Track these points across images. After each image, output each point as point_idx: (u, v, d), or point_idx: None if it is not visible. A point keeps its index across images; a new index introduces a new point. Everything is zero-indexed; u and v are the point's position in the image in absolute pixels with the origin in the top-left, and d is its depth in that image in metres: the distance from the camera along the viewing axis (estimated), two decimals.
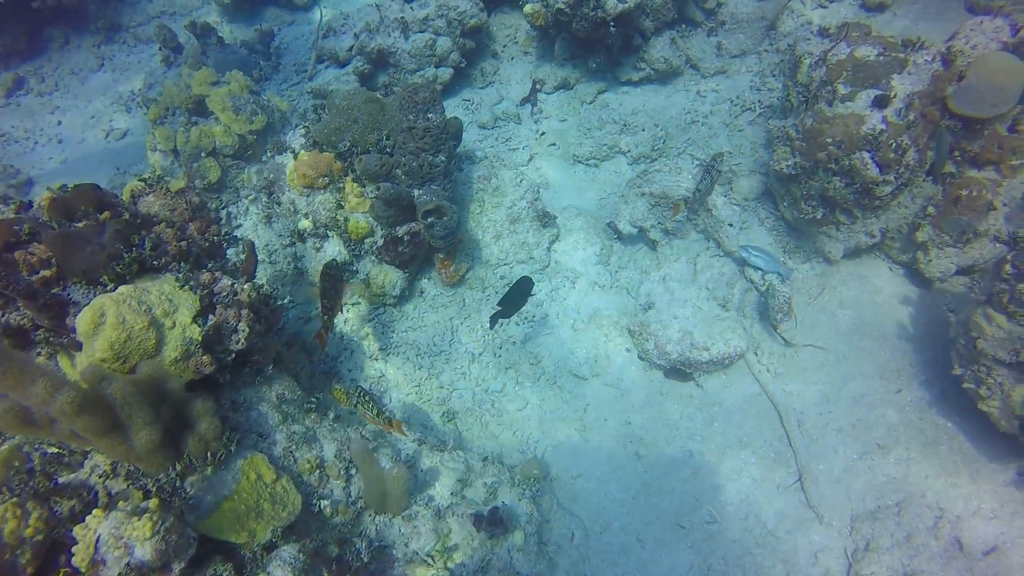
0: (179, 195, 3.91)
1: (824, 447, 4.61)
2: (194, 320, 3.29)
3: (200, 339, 3.27)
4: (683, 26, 6.94)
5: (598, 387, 5.09)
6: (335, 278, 4.36)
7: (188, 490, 3.13)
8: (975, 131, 4.82)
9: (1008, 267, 3.84)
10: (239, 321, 3.54)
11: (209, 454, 3.20)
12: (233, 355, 3.53)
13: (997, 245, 4.87)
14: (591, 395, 5.06)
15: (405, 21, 6.87)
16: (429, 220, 4.75)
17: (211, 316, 3.38)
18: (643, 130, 6.31)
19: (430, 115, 4.74)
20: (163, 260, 3.51)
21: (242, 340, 3.52)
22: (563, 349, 5.24)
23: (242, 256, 4.45)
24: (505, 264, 5.55)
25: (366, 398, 4.04)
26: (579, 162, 6.48)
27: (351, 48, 7.21)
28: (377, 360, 5.15)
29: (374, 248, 5.16)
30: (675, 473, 4.68)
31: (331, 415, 4.12)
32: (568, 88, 7.08)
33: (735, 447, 4.72)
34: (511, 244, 5.54)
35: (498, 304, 4.39)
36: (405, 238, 4.99)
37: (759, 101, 6.45)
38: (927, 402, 4.68)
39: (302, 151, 5.22)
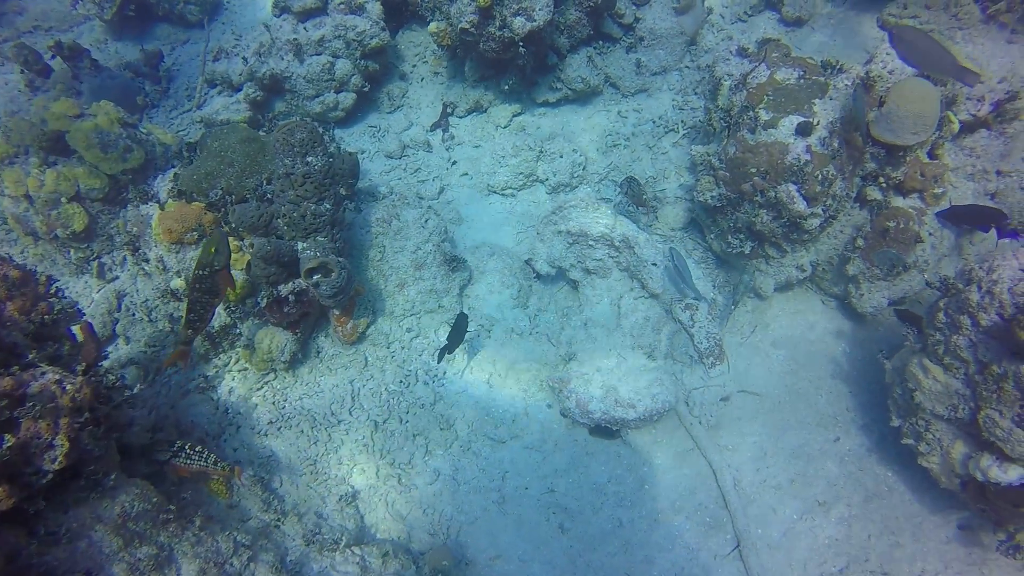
0: None
1: (762, 508, 4.23)
2: None
3: None
4: (600, 43, 6.53)
5: (518, 451, 4.59)
6: (209, 286, 3.71)
7: None
8: (898, 158, 4.55)
9: (941, 315, 3.52)
10: (55, 434, 2.88)
11: None
12: (50, 475, 2.88)
13: (925, 276, 4.63)
14: (510, 460, 4.56)
15: (299, 43, 6.23)
16: (314, 279, 4.16)
17: (6, 437, 2.71)
18: (561, 156, 5.86)
19: (310, 159, 4.16)
20: None
21: (59, 459, 2.87)
22: (478, 409, 4.72)
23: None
24: (412, 315, 5.00)
25: (194, 449, 3.53)
26: (494, 192, 5.98)
27: (243, 73, 6.53)
28: (267, 436, 4.52)
29: (257, 309, 4.53)
30: (603, 547, 4.22)
31: (198, 520, 3.48)
32: (481, 111, 6.58)
33: (668, 512, 4.30)
34: (417, 292, 4.99)
35: (446, 339, 4.42)
36: (290, 298, 4.38)
37: (682, 122, 6.09)
38: (866, 449, 4.36)
39: (169, 200, 4.55)
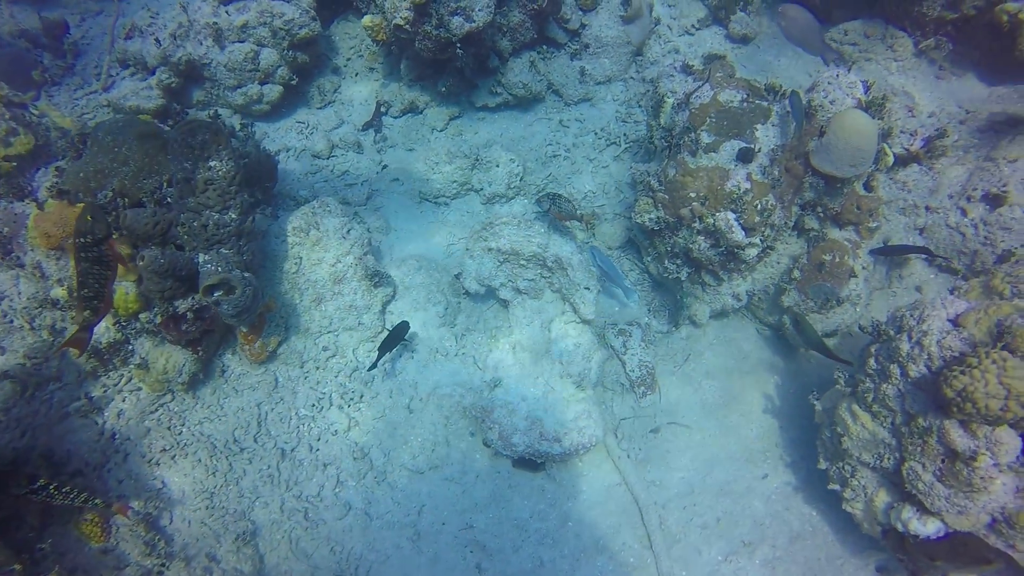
0: None
1: (687, 548, 4.09)
2: None
3: None
4: (544, 47, 6.27)
5: (436, 483, 4.32)
6: (99, 253, 3.25)
7: None
8: (836, 189, 4.48)
9: (872, 362, 3.43)
10: None
11: None
12: None
13: (857, 309, 4.59)
14: (428, 493, 4.28)
15: (219, 28, 5.72)
16: (214, 297, 3.76)
17: None
18: (498, 166, 5.58)
19: (213, 163, 3.75)
20: None
21: None
22: (395, 437, 4.42)
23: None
24: (329, 332, 4.64)
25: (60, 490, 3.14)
26: (426, 200, 5.65)
27: (156, 56, 5.96)
28: (158, 466, 4.09)
29: (151, 325, 4.08)
30: None
31: None
32: (417, 112, 6.23)
33: (591, 552, 4.11)
34: (335, 309, 4.63)
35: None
36: (189, 315, 3.96)
37: (624, 135, 5.90)
38: (793, 488, 4.28)
39: (49, 200, 4.05)
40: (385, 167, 5.86)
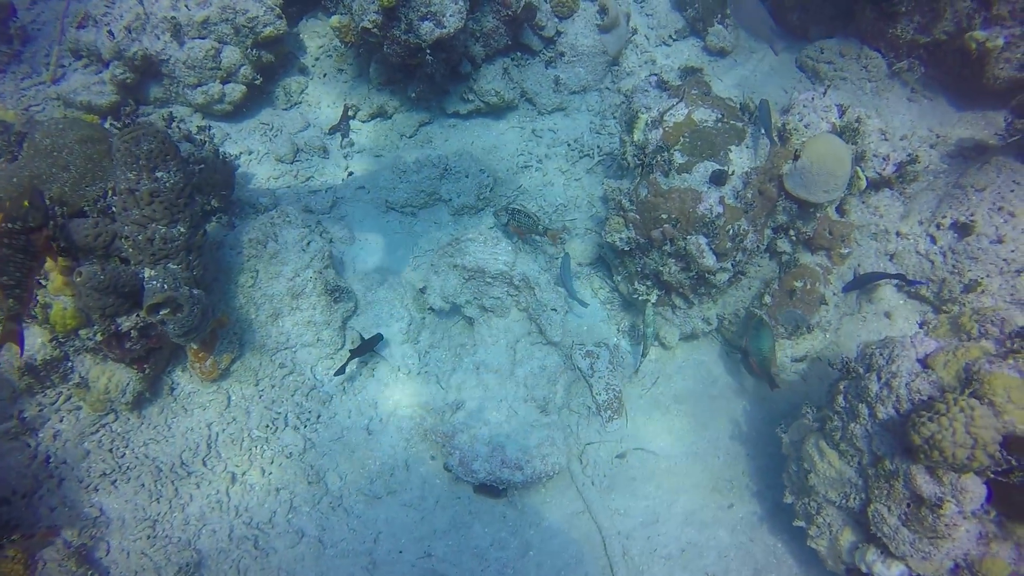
0: None
1: None
2: None
3: None
4: (519, 54, 6.11)
5: (394, 508, 4.16)
6: (23, 245, 3.03)
7: None
8: (809, 213, 4.42)
9: (840, 399, 3.37)
10: None
11: None
12: None
13: (827, 335, 4.55)
14: (385, 519, 4.12)
15: (177, 23, 5.45)
16: (159, 315, 3.54)
17: None
18: (467, 176, 5.42)
19: (159, 174, 3.52)
20: None
21: None
22: (353, 460, 4.25)
23: None
24: (286, 349, 4.44)
25: None
26: (392, 210, 5.46)
27: (110, 49, 5.66)
28: (97, 491, 3.86)
29: (92, 343, 3.85)
30: None
31: None
32: (386, 117, 6.02)
33: None
34: (293, 324, 4.44)
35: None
36: (133, 333, 3.73)
37: (598, 147, 5.79)
38: (758, 518, 4.22)
39: None
40: (351, 174, 5.65)
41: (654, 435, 4.49)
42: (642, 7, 6.73)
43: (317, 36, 6.42)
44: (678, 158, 4.28)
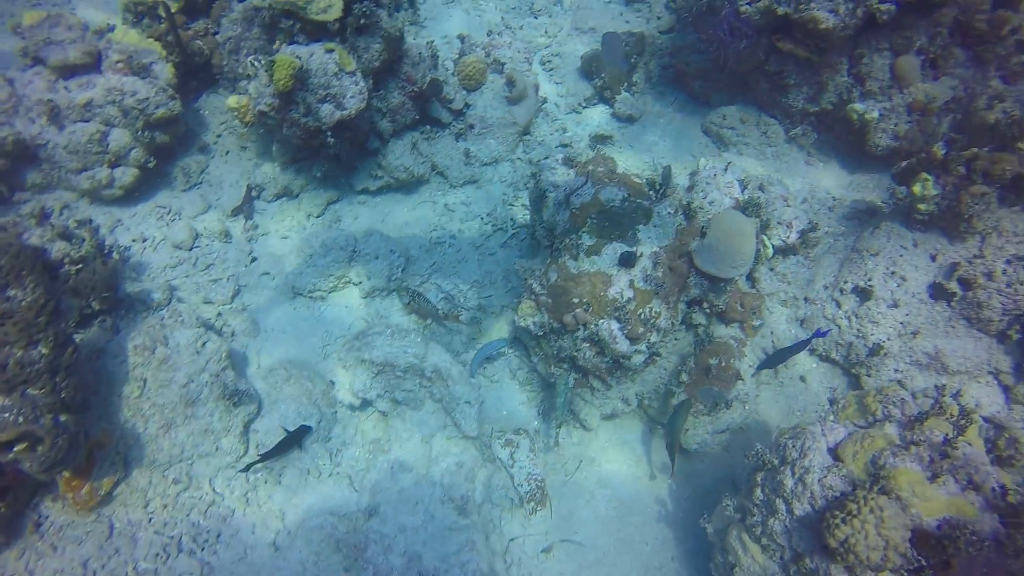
0: None
1: None
2: None
3: None
4: (428, 127, 6.05)
5: None
6: None
7: None
8: (720, 287, 4.45)
9: (759, 492, 3.32)
10: None
11: None
12: None
13: (746, 407, 4.55)
14: None
15: (55, 106, 5.09)
16: (13, 452, 3.14)
17: None
18: (377, 257, 5.23)
19: (12, 292, 3.18)
20: None
21: None
22: None
23: None
24: (181, 461, 4.07)
25: None
26: (300, 295, 5.20)
27: None
28: None
29: None
30: None
31: None
32: (292, 196, 5.79)
33: None
34: (188, 434, 4.08)
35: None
36: None
37: (512, 219, 5.74)
38: None
39: None
40: (255, 259, 5.37)
41: (580, 524, 4.33)
42: (551, 75, 6.84)
43: (219, 112, 6.17)
44: (587, 240, 4.25)
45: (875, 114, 5.50)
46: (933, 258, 4.75)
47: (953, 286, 4.58)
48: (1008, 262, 4.44)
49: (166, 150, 5.67)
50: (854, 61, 5.65)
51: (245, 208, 5.64)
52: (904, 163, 5.04)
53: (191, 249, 5.37)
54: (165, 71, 5.53)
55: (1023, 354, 4.55)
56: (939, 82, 5.56)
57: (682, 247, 4.34)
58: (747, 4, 5.63)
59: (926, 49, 5.46)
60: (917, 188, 4.73)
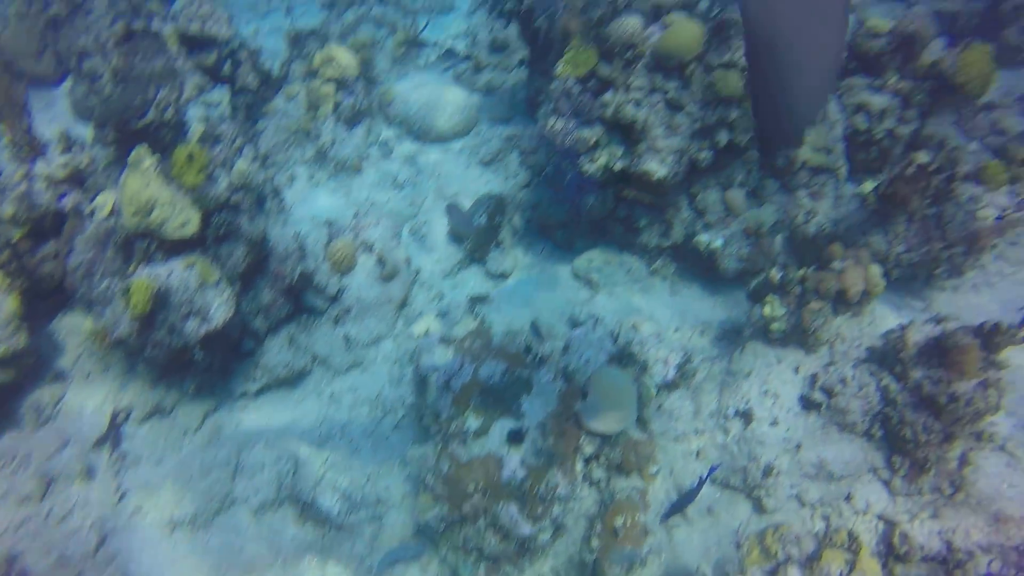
0: None
1: None
2: None
3: None
4: (304, 316, 5.99)
5: None
6: None
7: None
8: (612, 440, 4.52)
9: None
10: None
11: None
12: None
13: (662, 556, 4.50)
14: None
15: None
16: None
17: None
18: (263, 468, 4.93)
19: None
20: None
21: None
22: None
23: None
24: None
25: None
26: (178, 528, 4.74)
27: None
28: None
29: None
30: None
31: None
32: (165, 414, 5.43)
33: None
34: None
35: None
36: None
37: (402, 399, 5.64)
38: None
39: None
40: (123, 496, 4.89)
41: None
42: (422, 245, 7.07)
43: (76, 332, 5.81)
44: (472, 423, 4.23)
45: (719, 243, 6.06)
46: (796, 371, 5.10)
47: (818, 395, 4.90)
48: (855, 366, 4.85)
49: (12, 387, 5.21)
50: (692, 198, 6.28)
51: (111, 436, 5.21)
52: (753, 283, 5.52)
53: (42, 499, 4.82)
54: (9, 303, 5.21)
55: (891, 448, 4.86)
56: (763, 208, 6.27)
57: (568, 411, 4.42)
58: (589, 163, 6.20)
59: (745, 183, 6.18)
60: (767, 310, 5.16)
